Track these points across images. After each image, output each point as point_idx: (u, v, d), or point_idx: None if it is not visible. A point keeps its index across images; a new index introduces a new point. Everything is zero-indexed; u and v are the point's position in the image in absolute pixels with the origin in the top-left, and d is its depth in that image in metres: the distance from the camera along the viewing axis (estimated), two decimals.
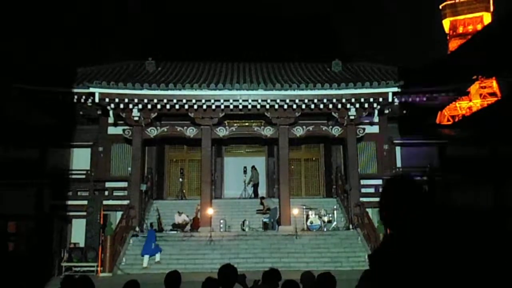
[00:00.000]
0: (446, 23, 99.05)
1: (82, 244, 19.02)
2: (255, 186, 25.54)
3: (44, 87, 22.78)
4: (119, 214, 21.04)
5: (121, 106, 21.05)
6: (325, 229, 20.88)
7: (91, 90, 20.77)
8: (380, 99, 21.16)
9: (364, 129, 22.86)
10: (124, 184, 22.65)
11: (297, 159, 26.56)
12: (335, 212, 21.81)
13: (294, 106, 21.36)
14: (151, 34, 30.52)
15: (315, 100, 21.08)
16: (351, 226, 21.11)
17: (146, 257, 17.97)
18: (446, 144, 25.30)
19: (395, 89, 21.16)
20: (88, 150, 24.78)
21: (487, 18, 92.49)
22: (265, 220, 21.51)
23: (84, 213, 19.17)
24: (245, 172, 25.75)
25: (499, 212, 22.18)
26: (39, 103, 23.68)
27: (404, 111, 25.14)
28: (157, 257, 18.23)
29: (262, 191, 25.88)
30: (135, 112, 21.32)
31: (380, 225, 18.64)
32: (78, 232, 21.01)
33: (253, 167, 25.67)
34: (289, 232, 20.24)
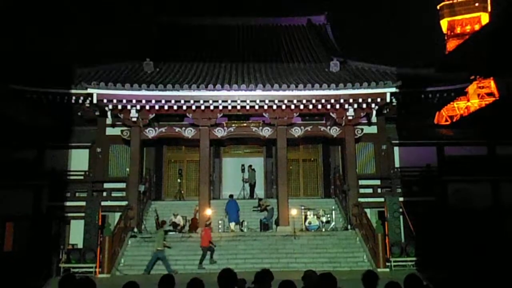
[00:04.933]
0: (444, 24, 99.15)
1: (80, 245, 18.98)
2: (252, 186, 25.49)
3: (42, 88, 22.74)
4: (117, 215, 21.01)
5: (119, 107, 21.02)
6: (323, 230, 20.88)
7: (89, 91, 20.73)
8: (378, 100, 21.16)
9: (362, 129, 22.87)
10: (122, 185, 22.63)
11: (295, 159, 26.56)
12: (333, 212, 21.82)
13: (292, 107, 21.36)
14: (150, 35, 30.52)
15: (313, 101, 21.07)
16: (349, 227, 21.11)
17: (233, 223, 20.86)
18: (444, 144, 25.33)
19: (393, 90, 21.16)
20: (86, 151, 24.75)
21: (484, 18, 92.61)
22: (263, 220, 21.51)
23: (82, 214, 19.13)
24: (243, 170, 25.77)
25: (497, 211, 22.22)
26: (37, 104, 23.63)
27: (402, 111, 25.15)
28: (232, 225, 20.80)
29: (260, 192, 25.86)
30: (133, 113, 21.26)
31: (379, 225, 18.68)
32: (76, 233, 20.98)
33: (249, 166, 25.68)
34: (288, 232, 20.24)
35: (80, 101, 22.87)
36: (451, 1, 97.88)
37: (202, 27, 32.12)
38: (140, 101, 20.82)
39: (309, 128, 22.71)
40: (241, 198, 24.80)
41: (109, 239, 17.98)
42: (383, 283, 5.22)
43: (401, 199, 20.51)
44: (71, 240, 21.83)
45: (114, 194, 22.44)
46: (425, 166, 23.46)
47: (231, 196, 22.37)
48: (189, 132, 22.46)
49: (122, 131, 22.50)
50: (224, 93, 20.86)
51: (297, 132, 22.56)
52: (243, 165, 25.95)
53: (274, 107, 21.34)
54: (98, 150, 24.38)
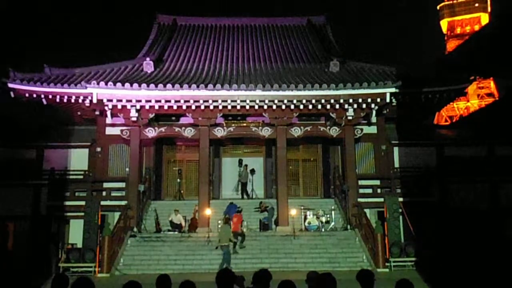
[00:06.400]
0: (444, 24, 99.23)
1: (79, 245, 18.97)
2: (244, 185, 25.24)
3: (41, 87, 22.72)
4: (117, 214, 21.00)
5: (119, 106, 21.03)
6: (323, 230, 20.87)
7: (89, 90, 20.74)
8: (378, 100, 21.17)
9: (362, 129, 22.88)
10: (122, 185, 22.63)
11: (295, 159, 26.53)
12: (333, 212, 21.81)
13: (292, 107, 21.37)
14: (150, 34, 30.51)
15: (313, 101, 21.08)
16: (349, 227, 21.12)
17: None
18: (444, 145, 25.32)
19: (393, 90, 21.17)
20: (86, 150, 24.73)
21: (484, 18, 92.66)
22: (262, 220, 21.50)
23: (82, 214, 19.13)
24: (240, 164, 25.65)
25: (497, 212, 22.21)
26: (37, 104, 23.60)
27: (402, 112, 25.14)
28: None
29: (260, 192, 25.76)
30: (133, 113, 21.28)
31: (378, 225, 18.69)
32: (76, 233, 20.94)
33: (245, 165, 25.57)
34: (287, 232, 20.24)
35: (80, 101, 22.83)
36: (451, 2, 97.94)
37: (202, 27, 32.14)
38: (140, 100, 20.83)
39: (308, 128, 22.71)
40: (240, 199, 24.70)
41: (108, 238, 17.99)
42: (383, 284, 5.23)
43: (400, 199, 20.50)
44: (70, 240, 21.82)
45: (113, 194, 22.42)
46: (425, 167, 23.45)
47: (231, 203, 22.27)
48: (188, 132, 22.47)
49: (121, 130, 22.50)
50: (224, 93, 20.85)
51: (296, 132, 22.56)
52: (241, 159, 25.91)
53: (274, 107, 21.35)
54: (98, 149, 24.36)
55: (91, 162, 24.47)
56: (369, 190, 22.86)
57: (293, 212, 21.11)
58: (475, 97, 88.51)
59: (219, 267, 16.71)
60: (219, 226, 21.04)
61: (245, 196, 25.10)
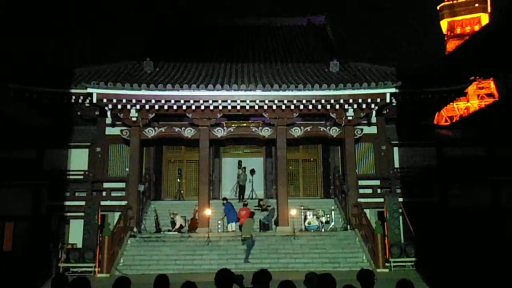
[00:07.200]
0: (444, 24, 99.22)
1: (79, 245, 18.98)
2: (241, 188, 25.04)
3: (41, 88, 22.73)
4: (116, 214, 21.02)
5: (119, 106, 21.03)
6: (323, 230, 20.89)
7: (89, 90, 20.74)
8: (378, 100, 21.16)
9: (362, 129, 22.88)
10: (121, 185, 22.63)
11: (295, 159, 26.54)
12: (333, 212, 21.83)
13: (292, 107, 21.37)
14: (150, 34, 30.52)
15: (313, 101, 21.08)
16: (349, 227, 21.13)
17: (232, 224, 21.05)
18: (444, 145, 25.31)
19: (393, 90, 21.18)
20: (86, 150, 24.73)
21: (484, 19, 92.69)
22: (262, 220, 21.50)
23: (82, 214, 19.14)
24: (239, 166, 25.63)
25: (497, 212, 22.21)
26: (37, 104, 23.62)
27: (402, 112, 25.14)
28: (230, 226, 21.05)
29: (259, 192, 25.75)
30: (133, 113, 21.28)
31: (378, 225, 18.69)
32: (75, 233, 20.96)
33: (243, 168, 25.43)
34: (287, 232, 20.25)
35: (80, 101, 22.85)
36: (451, 2, 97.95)
37: (202, 27, 32.12)
38: (140, 100, 20.83)
39: (308, 128, 22.72)
40: (235, 198, 24.63)
41: (108, 238, 17.99)
42: (383, 284, 5.23)
43: (400, 199, 20.51)
44: (70, 240, 21.83)
45: (113, 194, 22.43)
46: (425, 167, 23.44)
47: (224, 199, 22.46)
48: (188, 132, 22.48)
49: (121, 130, 22.51)
50: (224, 93, 20.86)
51: (296, 132, 22.57)
52: (240, 161, 25.86)
53: (274, 107, 21.35)
54: (98, 149, 24.37)
55: (91, 162, 24.47)
56: (369, 190, 22.86)
57: (293, 212, 21.11)
58: (475, 97, 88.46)
59: (245, 258, 17.98)
60: (219, 225, 21.13)
61: (241, 197, 25.02)
